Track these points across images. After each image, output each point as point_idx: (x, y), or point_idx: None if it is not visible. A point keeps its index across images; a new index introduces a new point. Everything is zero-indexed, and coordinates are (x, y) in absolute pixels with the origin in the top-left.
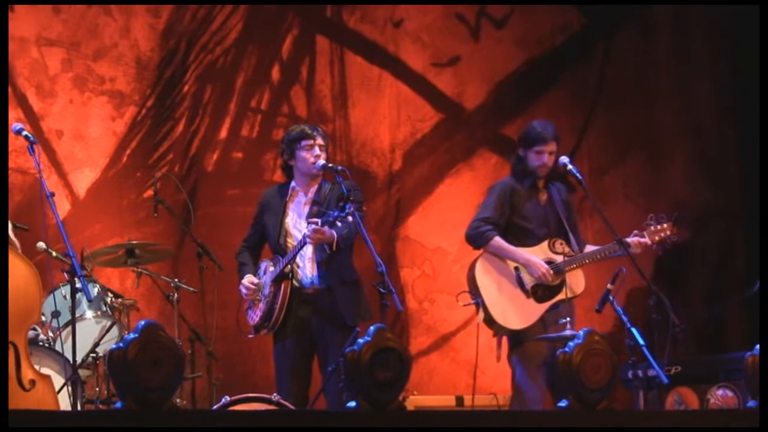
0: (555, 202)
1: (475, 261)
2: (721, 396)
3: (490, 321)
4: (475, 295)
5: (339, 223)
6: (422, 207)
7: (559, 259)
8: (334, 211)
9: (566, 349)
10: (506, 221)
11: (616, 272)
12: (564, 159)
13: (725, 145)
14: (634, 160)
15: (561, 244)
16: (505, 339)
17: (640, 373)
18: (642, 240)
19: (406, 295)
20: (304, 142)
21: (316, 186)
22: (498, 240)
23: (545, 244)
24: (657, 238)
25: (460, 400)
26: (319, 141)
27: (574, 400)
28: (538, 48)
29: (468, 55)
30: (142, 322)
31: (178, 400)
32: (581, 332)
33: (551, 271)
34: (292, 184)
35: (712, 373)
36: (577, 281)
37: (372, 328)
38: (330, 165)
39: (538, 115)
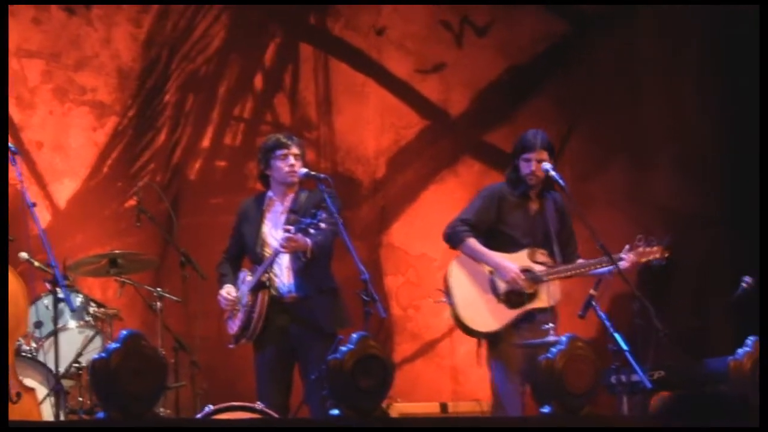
0: (546, 213)
1: (452, 262)
2: None
3: (458, 321)
4: (448, 294)
5: (312, 231)
6: (406, 214)
7: (538, 268)
8: (307, 218)
9: (549, 354)
10: (489, 227)
11: (598, 278)
12: (546, 165)
13: (710, 151)
14: (617, 166)
15: (542, 254)
16: (485, 344)
17: (623, 378)
18: (631, 259)
19: (390, 303)
20: (279, 152)
21: (292, 195)
22: (472, 241)
23: (525, 252)
24: (644, 259)
25: (444, 406)
26: (294, 150)
27: (558, 405)
28: (521, 55)
29: (452, 62)
30: (125, 332)
31: (161, 410)
32: (564, 338)
33: (522, 277)
34: (269, 193)
35: (695, 378)
36: (552, 292)
37: (355, 335)
38: (312, 173)
39: (522, 121)
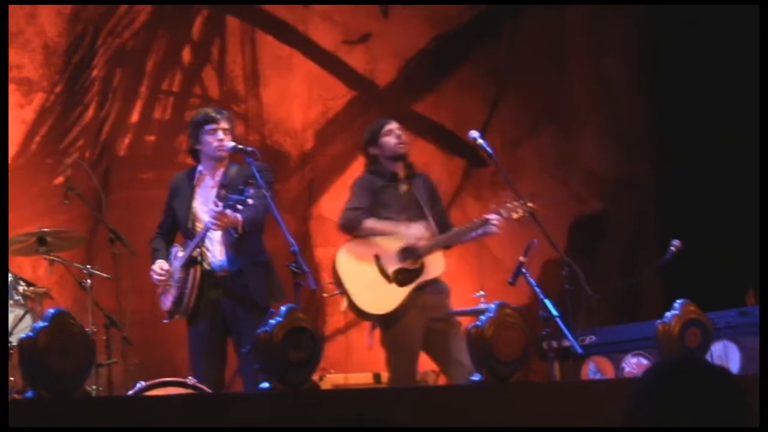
0: (415, 192)
1: (337, 253)
2: (635, 364)
3: (355, 309)
4: (339, 285)
5: (240, 207)
6: (336, 185)
7: (420, 243)
8: (234, 194)
9: (478, 323)
10: (370, 211)
11: (528, 244)
12: (474, 133)
13: (636, 116)
14: (546, 133)
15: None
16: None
17: (554, 344)
18: (500, 217)
19: (321, 274)
20: (208, 126)
21: (223, 169)
22: (370, 221)
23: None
24: (514, 215)
25: (377, 377)
26: (224, 124)
27: (487, 373)
28: (447, 24)
29: (379, 32)
30: (51, 311)
31: (94, 387)
32: (493, 305)
33: (427, 234)
34: (200, 167)
35: (626, 342)
36: (436, 263)
37: (283, 308)
38: (240, 146)
39: (449, 90)
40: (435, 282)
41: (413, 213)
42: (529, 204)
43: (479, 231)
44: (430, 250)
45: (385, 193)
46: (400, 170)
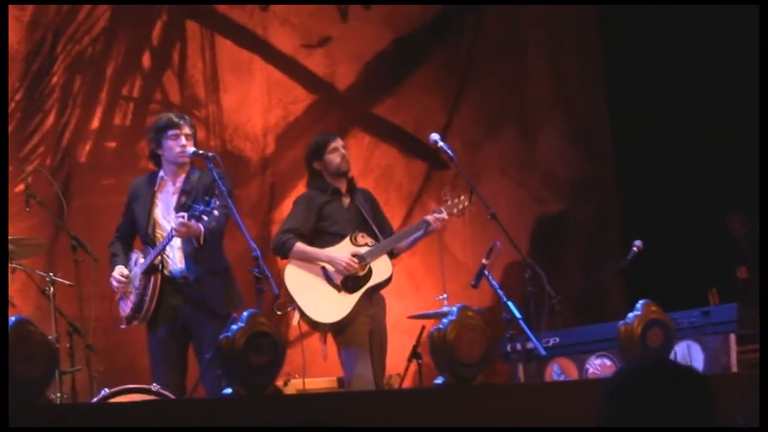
0: (358, 204)
1: (285, 270)
2: (599, 365)
3: (308, 321)
4: (291, 300)
5: (205, 217)
6: (297, 190)
7: (363, 250)
8: (200, 205)
9: (440, 326)
10: (313, 228)
11: (490, 246)
12: (435, 136)
13: (596, 117)
14: (507, 135)
15: (362, 236)
16: (330, 337)
17: (518, 346)
18: (440, 216)
19: (283, 279)
20: (170, 132)
21: (184, 175)
22: (299, 245)
23: (347, 239)
24: (455, 210)
25: (341, 381)
26: (186, 130)
27: (450, 376)
28: (406, 26)
29: (338, 35)
30: (13, 319)
31: (58, 394)
32: (455, 308)
33: (355, 260)
34: (161, 173)
35: (589, 343)
36: (383, 267)
37: (245, 313)
38: (201, 152)
39: (409, 92)
40: (379, 294)
41: (356, 225)
42: (466, 203)
43: (421, 232)
44: (373, 255)
45: (328, 208)
46: (342, 185)
